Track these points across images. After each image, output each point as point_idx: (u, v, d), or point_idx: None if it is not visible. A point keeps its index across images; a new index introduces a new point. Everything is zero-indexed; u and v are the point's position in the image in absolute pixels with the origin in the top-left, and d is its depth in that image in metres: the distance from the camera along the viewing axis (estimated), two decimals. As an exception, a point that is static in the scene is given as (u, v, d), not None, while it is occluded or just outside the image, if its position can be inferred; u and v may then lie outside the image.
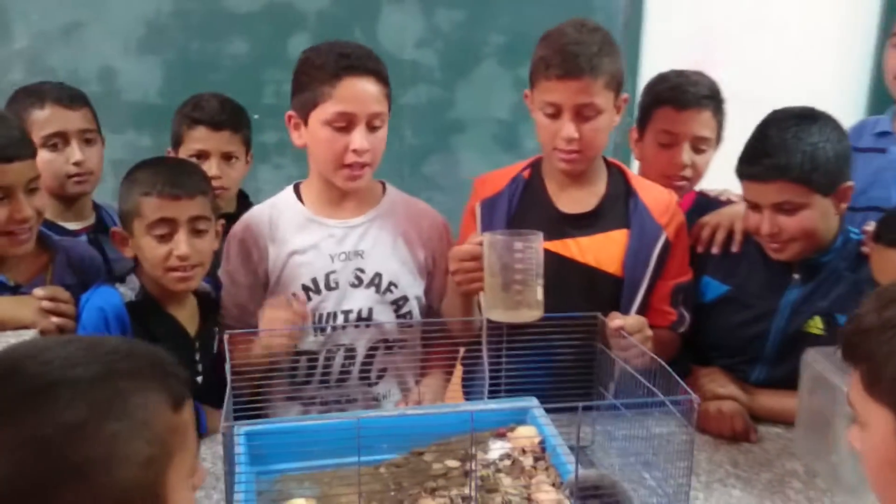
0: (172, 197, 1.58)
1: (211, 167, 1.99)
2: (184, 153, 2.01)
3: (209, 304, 1.74)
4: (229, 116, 2.03)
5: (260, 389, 1.60)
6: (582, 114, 1.61)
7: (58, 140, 1.87)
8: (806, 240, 1.65)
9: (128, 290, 1.63)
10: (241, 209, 2.10)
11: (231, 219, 2.00)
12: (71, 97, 1.90)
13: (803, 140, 1.58)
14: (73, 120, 1.88)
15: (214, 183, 1.97)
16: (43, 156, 1.83)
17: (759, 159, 1.61)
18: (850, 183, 1.65)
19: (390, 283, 1.72)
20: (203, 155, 2.00)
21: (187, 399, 0.85)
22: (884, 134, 2.14)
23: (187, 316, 1.69)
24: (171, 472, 0.81)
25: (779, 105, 1.73)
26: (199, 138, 2.00)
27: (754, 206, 1.66)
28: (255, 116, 2.86)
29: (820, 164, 1.58)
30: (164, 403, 0.81)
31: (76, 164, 1.87)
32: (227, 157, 2.03)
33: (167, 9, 2.84)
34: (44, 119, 1.85)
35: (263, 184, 2.89)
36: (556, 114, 1.63)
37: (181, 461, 0.83)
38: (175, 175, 1.61)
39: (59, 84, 1.94)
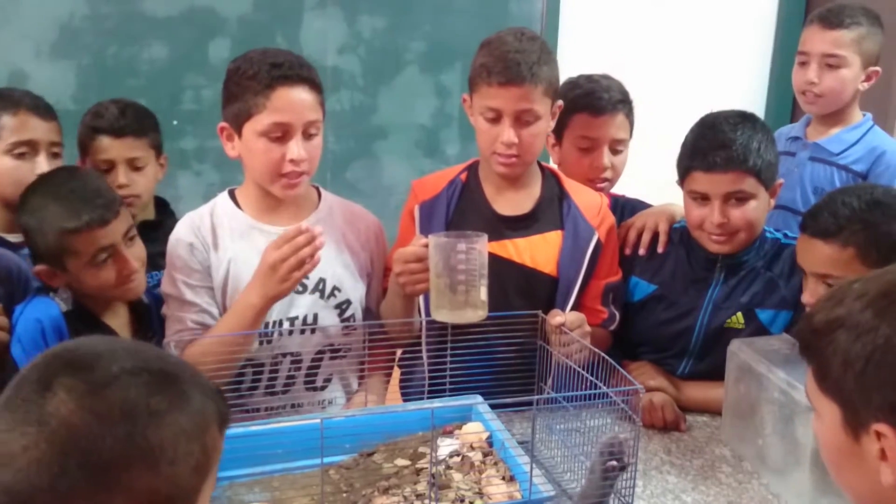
0: (102, 224, 1.56)
1: (118, 176, 1.95)
2: (91, 163, 1.97)
3: (143, 313, 1.72)
4: (131, 122, 1.97)
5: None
6: (521, 119, 1.67)
7: (26, 149, 1.80)
8: (748, 231, 1.76)
9: (61, 301, 1.60)
10: (162, 216, 2.07)
11: (152, 226, 1.97)
12: (45, 107, 1.85)
13: (752, 136, 1.71)
14: (45, 130, 1.82)
15: (123, 192, 1.92)
16: (6, 162, 1.79)
17: (715, 151, 1.71)
18: (781, 180, 1.80)
19: (334, 288, 1.72)
20: (108, 164, 1.96)
21: (228, 424, 0.88)
22: (795, 139, 2.30)
23: (121, 325, 1.68)
24: (205, 486, 0.84)
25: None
26: (102, 148, 1.95)
27: (702, 200, 1.75)
28: (175, 122, 2.83)
29: (766, 159, 1.71)
30: (214, 419, 0.84)
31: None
32: (133, 163, 1.97)
33: (82, 12, 2.74)
34: (14, 125, 1.79)
35: (183, 191, 2.85)
36: (496, 119, 1.68)
37: (211, 480, 0.85)
38: (89, 198, 1.57)
39: (30, 92, 1.88)
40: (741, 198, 1.72)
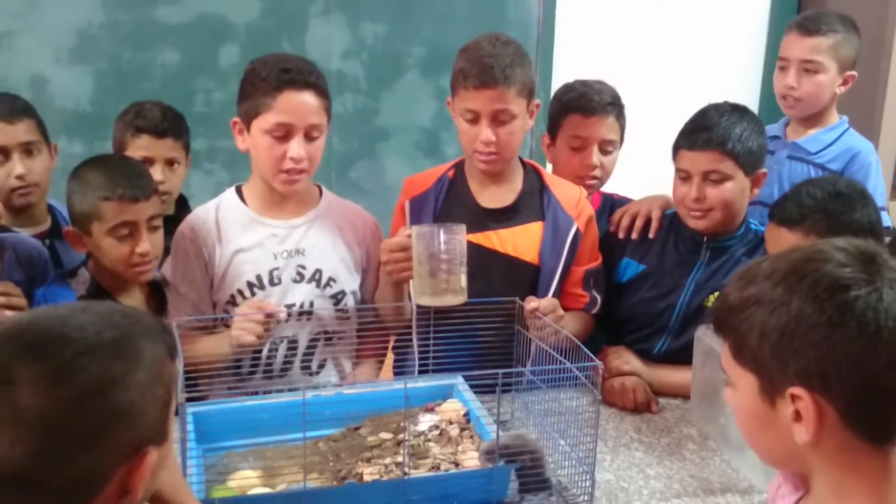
0: (132, 200, 1.70)
1: (156, 173, 2.05)
2: None
3: (160, 293, 1.85)
4: (171, 124, 2.10)
5: (206, 381, 1.69)
6: (498, 119, 1.77)
7: None
8: (724, 211, 1.87)
9: (79, 285, 1.74)
10: (181, 212, 2.19)
11: (171, 221, 2.08)
12: (11, 110, 1.93)
13: (737, 124, 1.84)
14: (13, 133, 1.92)
15: (159, 188, 2.06)
16: None
17: (699, 132, 1.85)
18: (764, 170, 1.91)
19: (329, 279, 1.83)
20: (147, 161, 2.06)
21: (177, 350, 0.98)
22: (775, 138, 2.39)
23: (136, 304, 1.79)
24: (171, 411, 0.96)
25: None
26: (143, 146, 2.07)
27: (685, 177, 1.88)
28: (186, 125, 2.94)
29: (747, 146, 1.83)
30: (166, 355, 0.95)
31: (18, 177, 1.91)
32: (170, 162, 2.11)
33: (99, 19, 2.88)
34: None
35: (195, 189, 2.96)
36: (475, 119, 1.79)
37: (174, 403, 0.97)
38: (131, 178, 1.73)
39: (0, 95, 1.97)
40: (718, 178, 1.84)
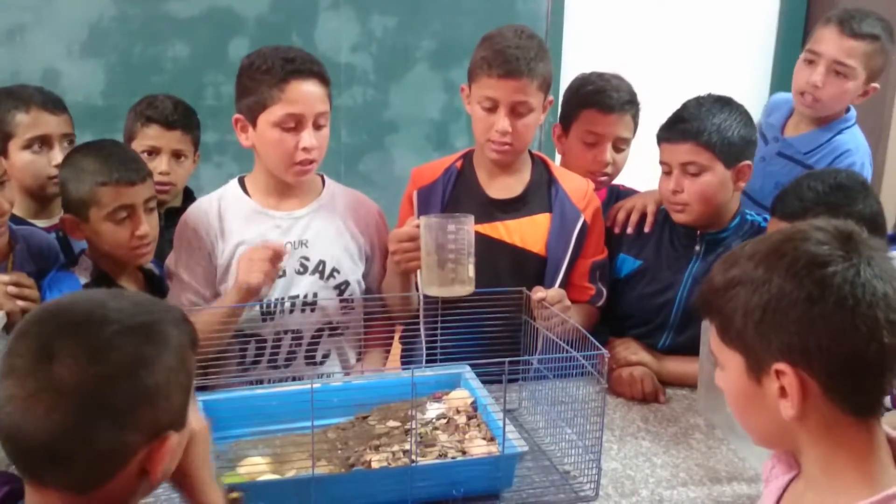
0: (129, 183, 1.72)
1: (161, 163, 2.10)
2: (135, 148, 2.10)
3: (153, 281, 1.88)
4: (181, 117, 2.13)
5: (210, 371, 1.70)
6: (516, 110, 1.78)
7: (40, 143, 1.94)
8: (703, 204, 1.86)
9: (82, 272, 1.77)
10: (187, 203, 2.22)
11: (177, 213, 2.11)
12: (54, 102, 1.98)
13: (715, 115, 1.83)
14: (56, 124, 1.96)
15: (164, 179, 2.09)
16: (24, 157, 1.93)
17: (676, 124, 1.85)
18: (748, 162, 1.88)
19: (333, 270, 1.83)
20: (154, 151, 2.11)
21: (198, 342, 1.01)
22: (774, 126, 2.33)
23: (136, 290, 1.80)
24: (190, 399, 0.99)
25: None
26: (151, 136, 2.10)
27: (667, 170, 1.88)
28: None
29: (725, 137, 1.82)
30: (189, 345, 0.98)
31: (58, 166, 1.92)
32: (176, 154, 2.14)
33: (110, 13, 2.90)
34: (28, 122, 1.93)
35: (205, 182, 2.97)
36: (493, 108, 1.79)
37: (192, 392, 1.00)
38: (125, 161, 1.75)
39: (40, 88, 2.01)
40: (695, 170, 1.84)
